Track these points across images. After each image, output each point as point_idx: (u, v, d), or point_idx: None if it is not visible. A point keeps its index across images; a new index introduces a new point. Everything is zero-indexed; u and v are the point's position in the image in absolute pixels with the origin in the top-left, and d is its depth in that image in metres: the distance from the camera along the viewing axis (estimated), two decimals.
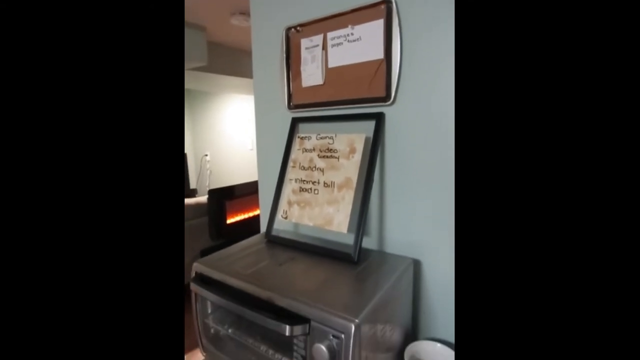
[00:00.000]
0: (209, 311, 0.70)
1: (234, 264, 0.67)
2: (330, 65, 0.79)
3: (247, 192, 2.67)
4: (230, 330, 0.68)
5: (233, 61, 2.73)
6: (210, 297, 0.62)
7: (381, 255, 0.72)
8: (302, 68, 0.84)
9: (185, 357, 1.83)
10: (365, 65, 0.74)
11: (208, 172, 4.44)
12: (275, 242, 0.79)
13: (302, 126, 0.88)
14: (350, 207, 0.70)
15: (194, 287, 0.65)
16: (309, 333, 0.50)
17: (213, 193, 2.42)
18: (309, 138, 0.81)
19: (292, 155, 0.83)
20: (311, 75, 0.82)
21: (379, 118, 0.73)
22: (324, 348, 0.47)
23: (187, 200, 2.42)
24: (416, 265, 0.72)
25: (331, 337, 0.48)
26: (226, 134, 4.20)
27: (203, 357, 0.73)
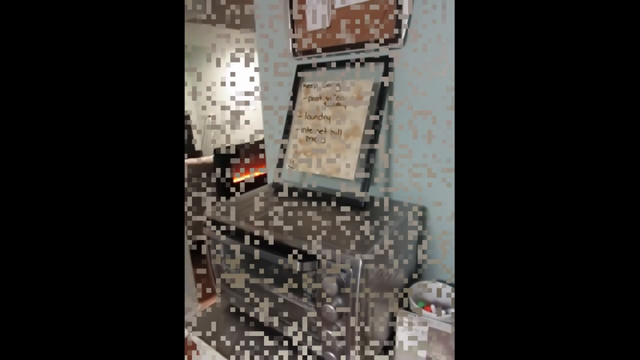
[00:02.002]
0: (222, 255, 0.73)
1: (243, 210, 0.69)
2: (337, 5, 0.74)
3: (253, 152, 2.67)
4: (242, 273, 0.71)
5: (234, 11, 2.59)
6: (223, 239, 0.65)
7: (388, 202, 0.73)
8: (307, 10, 0.79)
9: (200, 305, 1.95)
10: (374, 3, 0.69)
11: (212, 133, 4.42)
12: (282, 191, 0.80)
13: (307, 74, 0.85)
14: (357, 154, 0.70)
15: (206, 231, 0.67)
16: (317, 269, 0.53)
17: (219, 152, 2.43)
18: (315, 86, 0.79)
19: (298, 105, 0.82)
20: (317, 17, 0.78)
21: (387, 62, 0.70)
22: (332, 281, 0.49)
23: (193, 160, 2.44)
24: (422, 211, 0.73)
25: (339, 272, 0.50)
26: (229, 94, 4.12)
27: (218, 298, 0.78)
